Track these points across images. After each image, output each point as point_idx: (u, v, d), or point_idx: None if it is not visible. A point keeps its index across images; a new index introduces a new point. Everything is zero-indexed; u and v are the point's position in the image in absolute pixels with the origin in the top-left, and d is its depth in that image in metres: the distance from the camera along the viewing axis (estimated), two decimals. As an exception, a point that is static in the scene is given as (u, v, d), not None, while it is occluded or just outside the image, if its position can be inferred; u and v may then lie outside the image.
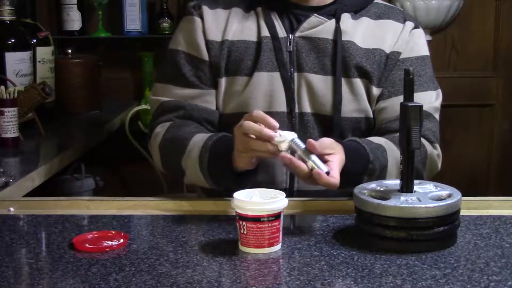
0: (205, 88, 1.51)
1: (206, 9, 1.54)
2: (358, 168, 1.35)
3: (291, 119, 1.47)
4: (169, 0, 2.83)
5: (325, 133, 1.45)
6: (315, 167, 1.21)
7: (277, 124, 1.25)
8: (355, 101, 1.48)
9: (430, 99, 1.52)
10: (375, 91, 1.50)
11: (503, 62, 2.96)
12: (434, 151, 1.50)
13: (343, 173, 1.28)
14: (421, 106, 1.14)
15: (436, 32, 2.93)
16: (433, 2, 2.80)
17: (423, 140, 1.47)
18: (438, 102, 1.54)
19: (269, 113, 1.43)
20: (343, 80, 1.47)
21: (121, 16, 2.80)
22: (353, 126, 1.49)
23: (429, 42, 2.85)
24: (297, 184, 1.47)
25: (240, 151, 1.29)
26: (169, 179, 1.58)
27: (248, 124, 1.25)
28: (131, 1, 2.77)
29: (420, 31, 1.56)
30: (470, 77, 2.97)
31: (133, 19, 2.79)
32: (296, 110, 1.47)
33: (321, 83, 1.47)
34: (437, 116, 1.54)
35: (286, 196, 1.14)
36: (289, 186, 1.47)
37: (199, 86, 1.51)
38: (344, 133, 1.48)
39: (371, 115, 1.51)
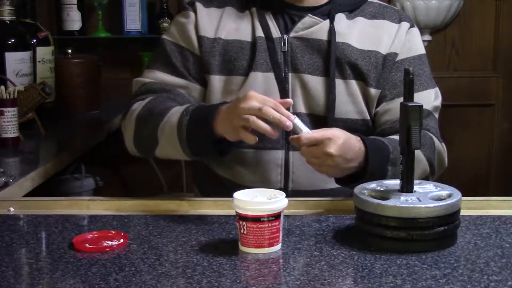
0: (192, 81, 1.52)
1: (200, 7, 1.55)
2: (381, 159, 1.36)
3: None
4: (169, 0, 2.83)
5: None
6: (298, 130, 1.28)
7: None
8: (351, 103, 1.48)
9: (430, 98, 1.53)
10: (373, 92, 1.50)
11: (503, 62, 2.96)
12: (441, 146, 1.52)
13: (368, 167, 1.32)
14: (421, 106, 1.14)
15: (436, 32, 2.93)
16: (433, 2, 2.80)
17: (430, 134, 1.49)
18: (438, 101, 1.55)
19: None
20: (339, 81, 1.48)
21: (121, 16, 2.80)
22: (349, 127, 1.47)
23: (429, 42, 2.87)
24: (292, 184, 1.48)
25: (236, 127, 1.27)
26: (142, 153, 1.46)
27: (269, 110, 1.24)
28: (131, 1, 2.78)
29: (415, 30, 1.57)
30: (470, 77, 2.97)
31: (133, 19, 2.79)
32: (291, 111, 1.46)
33: (316, 83, 1.47)
34: (437, 115, 1.55)
35: None
36: (283, 186, 1.48)
37: (187, 78, 1.52)
38: None
39: (368, 117, 1.51)
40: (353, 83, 1.49)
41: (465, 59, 2.98)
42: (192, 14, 1.54)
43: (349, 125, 1.48)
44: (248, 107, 1.25)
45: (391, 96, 1.50)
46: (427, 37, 2.85)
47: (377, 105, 1.51)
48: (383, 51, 1.51)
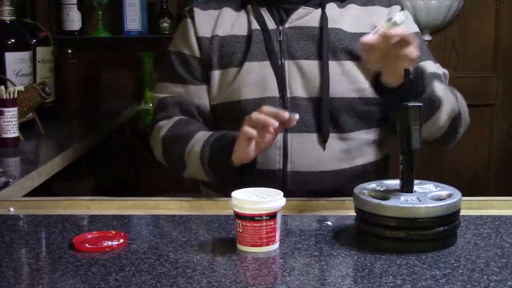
0: (198, 83, 1.60)
1: (197, 11, 1.63)
2: (406, 92, 1.32)
3: (283, 103, 1.52)
4: (169, 0, 2.83)
5: (317, 114, 1.52)
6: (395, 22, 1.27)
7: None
8: (346, 82, 1.53)
9: (435, 66, 1.57)
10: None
11: (503, 62, 2.96)
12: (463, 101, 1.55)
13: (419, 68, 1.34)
14: (420, 106, 1.14)
15: (436, 32, 2.93)
16: (433, 2, 2.80)
17: (451, 89, 1.51)
18: (446, 71, 1.59)
19: (261, 98, 1.52)
20: (332, 63, 1.53)
21: (121, 16, 2.80)
22: (347, 106, 1.53)
23: (429, 42, 2.87)
24: (290, 165, 1.51)
25: (242, 132, 1.35)
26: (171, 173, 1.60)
27: (268, 107, 1.34)
28: (131, 1, 2.77)
29: (407, 12, 1.61)
30: (470, 77, 2.96)
31: (133, 19, 2.79)
32: (288, 95, 1.53)
33: (311, 67, 1.53)
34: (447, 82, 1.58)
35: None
36: (282, 167, 1.51)
37: (192, 82, 1.60)
38: (338, 113, 1.52)
39: (369, 95, 1.54)
40: (348, 63, 1.53)
41: (465, 59, 2.98)
42: (189, 21, 1.63)
43: (346, 104, 1.53)
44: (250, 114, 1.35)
45: None
46: (427, 37, 2.85)
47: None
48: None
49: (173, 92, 1.62)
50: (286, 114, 1.32)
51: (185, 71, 1.60)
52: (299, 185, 1.51)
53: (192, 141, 1.49)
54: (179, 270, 1.04)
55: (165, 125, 1.57)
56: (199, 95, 1.60)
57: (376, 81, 1.51)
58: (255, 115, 1.34)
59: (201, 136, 1.49)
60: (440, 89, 1.43)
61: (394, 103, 1.29)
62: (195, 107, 1.59)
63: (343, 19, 1.56)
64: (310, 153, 1.52)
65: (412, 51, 1.30)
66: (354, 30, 1.55)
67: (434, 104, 1.41)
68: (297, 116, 1.34)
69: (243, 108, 1.53)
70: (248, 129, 1.34)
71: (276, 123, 1.33)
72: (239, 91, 1.54)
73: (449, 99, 1.46)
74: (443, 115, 1.44)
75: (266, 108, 1.34)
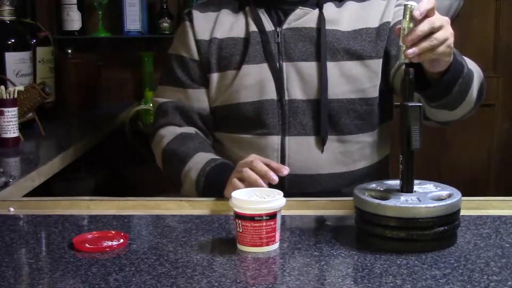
0: (196, 87, 1.61)
1: (196, 13, 1.63)
2: (456, 71, 1.30)
3: (281, 106, 1.53)
4: (169, 0, 2.83)
5: (316, 116, 1.52)
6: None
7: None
8: (345, 83, 1.52)
9: None
10: (375, 63, 1.53)
11: (503, 62, 2.96)
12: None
13: (441, 78, 1.28)
14: (420, 106, 1.14)
15: (436, 32, 2.92)
16: (433, 2, 2.79)
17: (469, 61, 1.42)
18: None
19: (259, 101, 1.52)
20: (330, 64, 1.52)
21: (121, 16, 2.80)
22: (347, 107, 1.53)
23: (429, 42, 2.86)
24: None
25: (231, 178, 1.37)
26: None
27: (258, 164, 1.34)
28: (131, 1, 2.77)
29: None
30: (470, 77, 2.96)
31: (133, 19, 2.79)
32: (286, 98, 1.53)
33: (310, 69, 1.53)
34: None
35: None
36: None
37: (191, 86, 1.61)
38: (337, 115, 1.52)
39: (369, 95, 1.53)
40: (348, 64, 1.53)
41: (465, 59, 2.97)
42: (188, 23, 1.63)
43: (345, 105, 1.53)
44: (243, 162, 1.37)
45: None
46: (427, 37, 2.84)
47: (390, 67, 1.54)
48: (374, 25, 1.55)
49: (173, 97, 1.63)
50: (275, 178, 1.32)
51: (185, 75, 1.61)
52: (297, 188, 1.50)
53: (190, 163, 1.50)
54: (179, 270, 1.04)
55: (166, 136, 1.59)
56: (199, 99, 1.60)
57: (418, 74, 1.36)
58: (246, 172, 1.33)
59: (200, 159, 1.49)
60: (467, 60, 1.38)
61: (443, 90, 1.29)
62: (195, 112, 1.60)
63: (341, 18, 1.56)
64: (307, 156, 1.52)
65: (441, 19, 1.18)
66: (352, 28, 1.55)
67: (470, 77, 1.35)
68: (286, 172, 1.35)
69: (241, 111, 1.54)
70: (236, 182, 1.35)
71: (265, 186, 1.32)
72: (237, 94, 1.54)
73: (475, 68, 1.40)
74: (475, 86, 1.39)
75: (259, 165, 1.34)
